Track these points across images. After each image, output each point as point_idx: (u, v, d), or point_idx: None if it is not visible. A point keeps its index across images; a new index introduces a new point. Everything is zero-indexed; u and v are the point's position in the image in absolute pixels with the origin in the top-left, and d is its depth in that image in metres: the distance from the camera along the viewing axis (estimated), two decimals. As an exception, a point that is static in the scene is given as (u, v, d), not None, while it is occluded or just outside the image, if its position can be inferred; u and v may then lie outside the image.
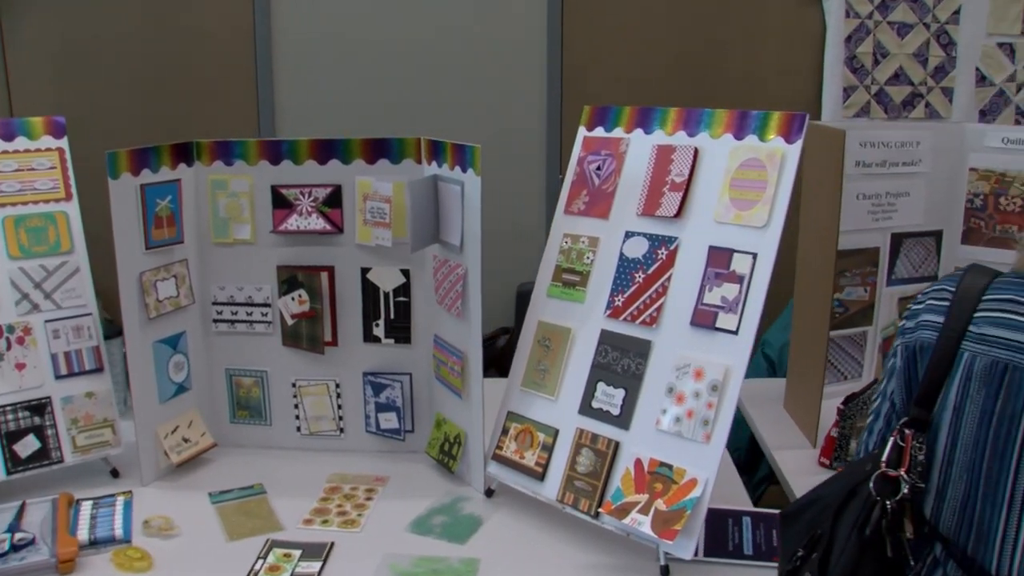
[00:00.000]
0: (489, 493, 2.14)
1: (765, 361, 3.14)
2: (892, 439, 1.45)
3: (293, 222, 2.25)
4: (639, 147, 2.06)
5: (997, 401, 1.36)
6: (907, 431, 1.44)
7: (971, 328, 1.41)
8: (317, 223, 2.25)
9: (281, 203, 2.26)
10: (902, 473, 1.42)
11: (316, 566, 1.86)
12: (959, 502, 1.41)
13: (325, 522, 2.04)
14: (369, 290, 2.27)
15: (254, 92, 3.67)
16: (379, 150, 2.21)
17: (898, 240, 2.60)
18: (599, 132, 2.16)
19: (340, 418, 2.35)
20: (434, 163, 2.16)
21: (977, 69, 3.63)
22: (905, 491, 1.41)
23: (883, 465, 1.44)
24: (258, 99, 3.66)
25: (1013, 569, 1.35)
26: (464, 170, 2.03)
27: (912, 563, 1.42)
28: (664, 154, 2.00)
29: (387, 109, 3.70)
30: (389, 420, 2.31)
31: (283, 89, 3.70)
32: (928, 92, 3.60)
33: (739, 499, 2.15)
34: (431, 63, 3.70)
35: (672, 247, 1.94)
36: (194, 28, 3.64)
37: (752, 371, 3.22)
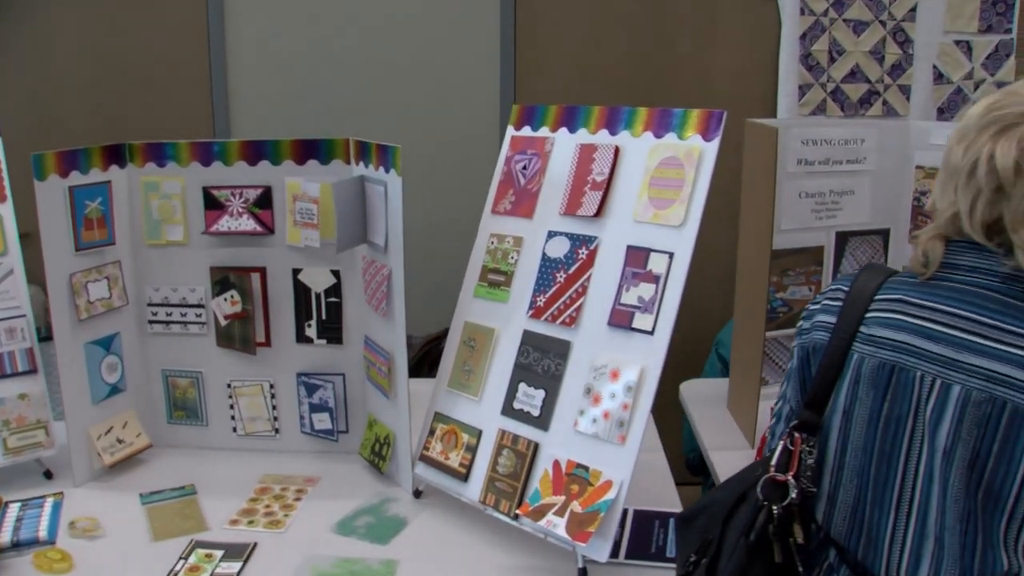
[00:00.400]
0: (417, 494, 2.14)
1: (720, 362, 3.12)
2: (782, 443, 1.43)
3: (224, 223, 2.25)
4: (563, 146, 2.06)
5: (884, 403, 1.34)
6: (797, 434, 1.42)
7: (861, 329, 1.38)
8: (248, 224, 2.24)
9: (213, 204, 2.26)
10: (789, 477, 1.40)
11: (236, 566, 1.86)
12: (850, 507, 1.40)
13: (251, 523, 2.04)
14: (301, 291, 2.27)
15: (208, 93, 3.66)
16: (308, 151, 2.21)
17: (843, 239, 2.58)
18: (526, 131, 2.15)
19: (275, 419, 2.34)
20: (361, 163, 2.15)
21: (935, 67, 3.61)
22: (793, 496, 1.39)
23: (772, 469, 1.42)
24: (212, 101, 3.65)
25: (901, 573, 1.34)
26: (387, 170, 2.02)
27: (801, 569, 1.39)
28: (586, 153, 1.99)
29: (343, 109, 3.67)
30: (322, 421, 2.31)
31: (238, 91, 3.69)
32: (885, 90, 3.58)
33: (671, 501, 2.14)
34: (387, 62, 3.66)
35: (592, 247, 1.94)
36: (146, 28, 3.63)
37: (707, 371, 3.21)
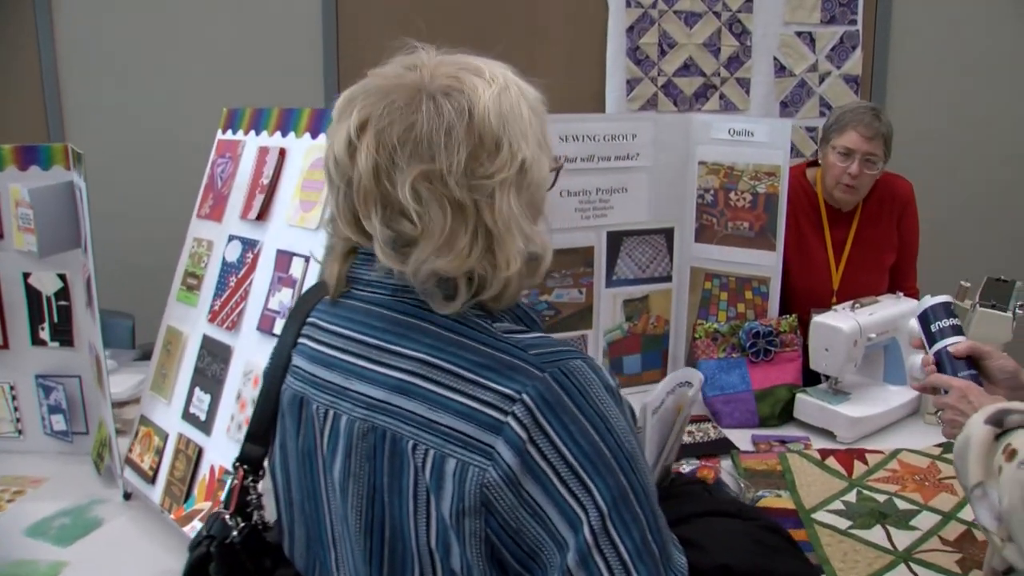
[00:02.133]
0: (127, 496, 2.14)
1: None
2: (230, 477, 1.34)
3: (-42, 227, 2.28)
4: (250, 149, 2.05)
5: (300, 438, 1.24)
6: (240, 469, 1.32)
7: (293, 355, 1.27)
8: (-21, 228, 2.27)
9: (-55, 209, 2.29)
10: (227, 515, 1.31)
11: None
12: (304, 543, 1.31)
13: (-45, 524, 2.06)
14: (32, 294, 2.29)
15: (40, 98, 3.69)
16: (29, 157, 2.23)
17: (617, 239, 2.53)
18: (228, 135, 2.14)
19: (18, 420, 2.37)
20: (74, 169, 2.16)
21: (775, 59, 3.50)
22: (235, 534, 1.30)
23: (220, 505, 1.33)
24: (45, 107, 3.69)
25: None
26: (80, 175, 2.03)
27: None
28: (261, 156, 1.98)
29: (177, 105, 3.64)
30: (59, 422, 2.33)
31: (71, 95, 3.72)
32: (722, 83, 3.47)
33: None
34: (211, 63, 3.64)
35: (256, 251, 1.93)
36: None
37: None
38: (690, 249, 2.61)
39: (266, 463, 1.33)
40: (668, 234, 2.60)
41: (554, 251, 2.36)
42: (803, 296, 2.71)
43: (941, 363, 1.63)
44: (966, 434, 1.39)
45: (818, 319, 2.36)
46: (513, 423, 1.04)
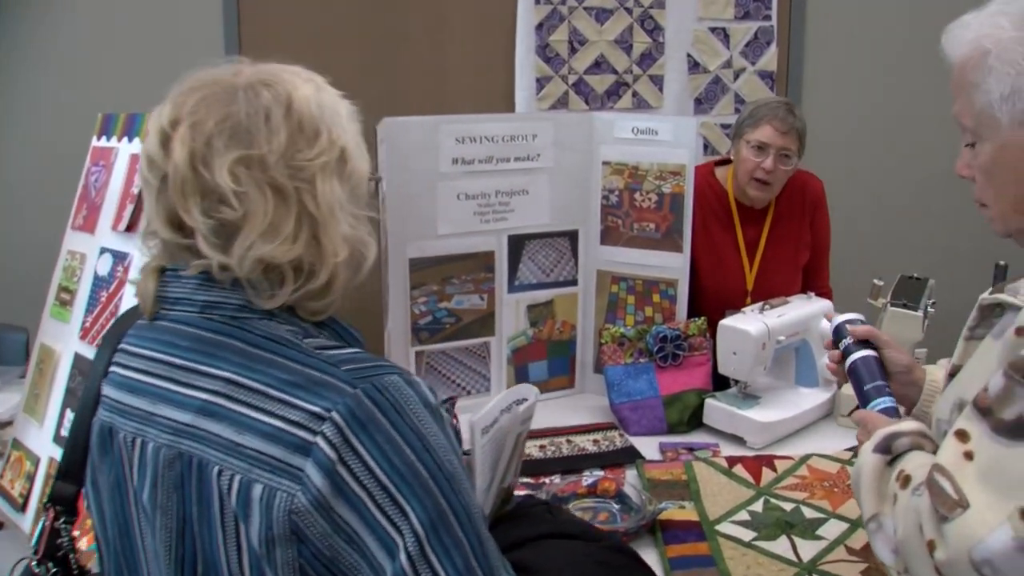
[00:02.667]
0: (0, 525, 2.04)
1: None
2: (43, 518, 1.25)
3: None
4: (123, 156, 1.95)
5: (110, 470, 1.15)
6: (51, 509, 1.24)
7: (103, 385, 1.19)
8: None
9: None
10: (33, 561, 1.23)
11: None
12: None
13: None
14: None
15: None
16: None
17: (518, 242, 2.45)
18: (103, 141, 2.04)
19: None
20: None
21: (689, 55, 3.45)
22: None
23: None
24: None
25: None
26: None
27: None
28: (133, 164, 1.89)
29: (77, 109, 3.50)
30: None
31: None
32: (635, 81, 3.40)
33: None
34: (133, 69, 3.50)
35: (126, 264, 1.83)
36: None
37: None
38: (595, 252, 2.54)
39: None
40: (572, 236, 2.53)
41: (452, 256, 2.34)
42: (716, 298, 2.66)
43: (847, 351, 1.64)
44: (857, 465, 1.33)
45: (725, 322, 2.31)
46: (322, 443, 0.98)
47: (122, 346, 1.18)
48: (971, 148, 1.31)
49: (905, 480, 1.22)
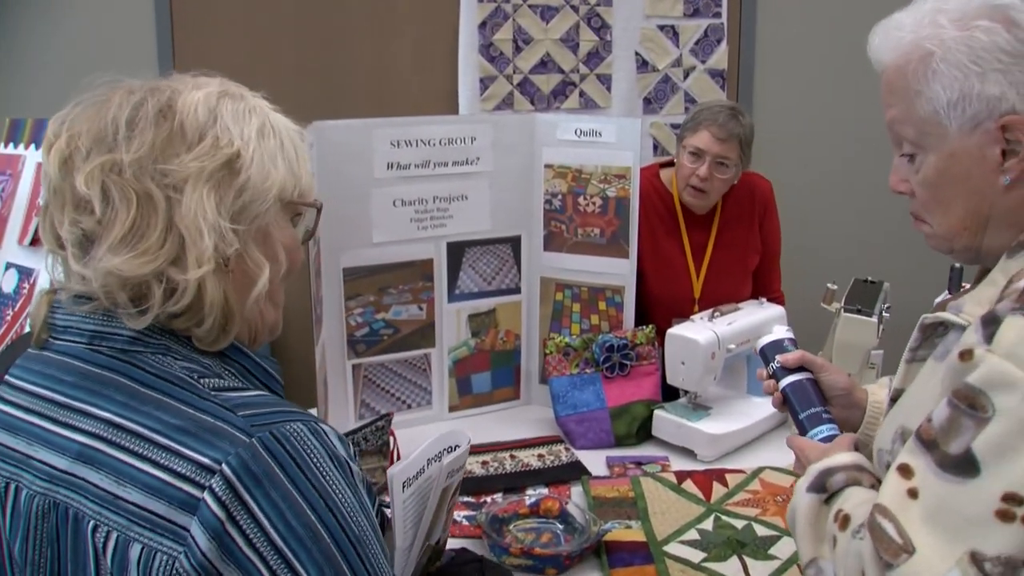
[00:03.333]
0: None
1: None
2: None
3: None
4: (30, 165, 1.83)
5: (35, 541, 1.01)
6: None
7: None
8: None
9: None
10: None
11: None
12: None
13: None
14: None
15: None
16: None
17: (458, 249, 2.36)
18: (10, 149, 1.92)
19: None
20: None
21: (637, 54, 3.36)
22: None
23: None
24: None
25: None
26: None
27: None
28: (39, 173, 1.77)
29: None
30: None
31: None
32: (582, 80, 3.31)
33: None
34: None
35: (32, 280, 1.71)
36: None
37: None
38: (539, 258, 2.45)
39: None
40: (515, 243, 2.44)
41: (390, 265, 2.24)
42: (663, 305, 2.58)
43: (776, 376, 1.49)
44: (792, 505, 1.22)
45: (673, 331, 2.23)
46: (210, 500, 0.87)
47: (7, 378, 1.06)
48: (907, 159, 1.20)
49: (844, 521, 1.12)
